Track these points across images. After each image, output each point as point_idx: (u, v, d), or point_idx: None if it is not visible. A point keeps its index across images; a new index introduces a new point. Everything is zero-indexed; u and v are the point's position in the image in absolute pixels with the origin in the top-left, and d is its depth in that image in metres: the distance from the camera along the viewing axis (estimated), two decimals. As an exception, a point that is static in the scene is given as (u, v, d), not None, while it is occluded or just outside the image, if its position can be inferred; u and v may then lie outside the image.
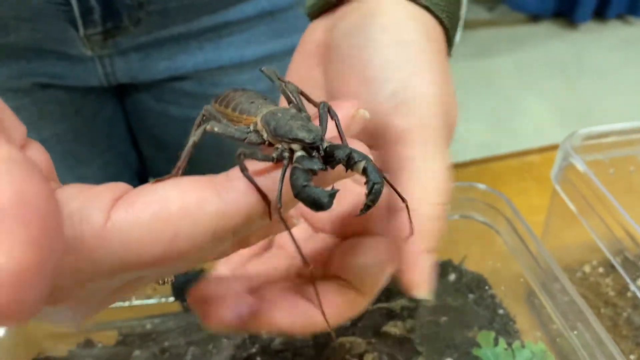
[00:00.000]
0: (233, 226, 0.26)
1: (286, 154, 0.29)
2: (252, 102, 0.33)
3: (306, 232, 0.39)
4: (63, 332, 0.52)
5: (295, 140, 0.29)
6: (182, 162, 0.30)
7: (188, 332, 0.51)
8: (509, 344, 0.47)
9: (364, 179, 0.28)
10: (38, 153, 0.29)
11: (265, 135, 0.31)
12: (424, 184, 0.32)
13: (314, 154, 0.28)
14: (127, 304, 0.52)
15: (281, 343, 0.47)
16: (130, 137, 0.75)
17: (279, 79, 0.35)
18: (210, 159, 0.63)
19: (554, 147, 0.85)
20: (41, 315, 0.28)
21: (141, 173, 0.80)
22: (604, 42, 2.58)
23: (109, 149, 0.73)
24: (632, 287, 0.57)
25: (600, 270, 0.66)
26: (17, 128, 0.27)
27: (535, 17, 2.73)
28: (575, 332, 0.48)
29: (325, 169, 0.28)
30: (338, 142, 0.30)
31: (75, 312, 0.28)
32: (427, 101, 0.35)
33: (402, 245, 0.31)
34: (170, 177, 0.28)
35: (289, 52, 0.67)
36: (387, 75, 0.35)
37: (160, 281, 0.35)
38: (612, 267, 0.62)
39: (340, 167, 0.28)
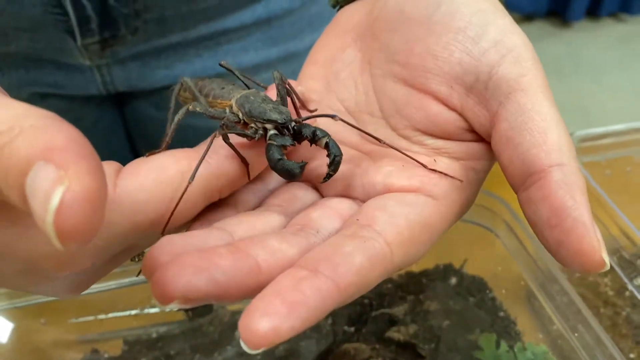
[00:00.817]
0: (220, 186, 0.32)
1: (260, 132, 0.34)
2: (222, 88, 0.38)
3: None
4: (70, 341, 0.52)
5: (269, 120, 0.34)
6: (168, 138, 0.35)
7: (193, 339, 0.52)
8: (511, 346, 0.48)
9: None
10: None
11: (240, 116, 0.35)
12: (556, 136, 0.30)
13: (284, 132, 0.33)
14: (133, 312, 0.52)
15: (285, 349, 0.48)
16: (129, 145, 0.76)
17: (282, 80, 0.38)
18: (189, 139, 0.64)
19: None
20: (38, 286, 0.31)
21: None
22: (598, 40, 2.60)
23: (109, 156, 0.72)
24: (630, 286, 0.58)
25: (599, 270, 0.67)
26: None
27: (528, 17, 2.74)
28: (575, 334, 0.48)
29: (294, 144, 0.33)
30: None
31: (73, 281, 0.31)
32: (530, 49, 0.33)
33: (563, 215, 0.28)
34: (161, 150, 0.33)
35: (284, 59, 0.67)
36: (483, 22, 0.33)
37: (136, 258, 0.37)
38: (610, 266, 0.62)
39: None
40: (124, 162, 0.79)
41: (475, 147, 0.35)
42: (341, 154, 0.33)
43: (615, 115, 2.09)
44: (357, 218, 0.31)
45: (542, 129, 0.30)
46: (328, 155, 0.33)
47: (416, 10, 0.35)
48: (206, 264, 0.26)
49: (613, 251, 0.59)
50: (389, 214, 0.31)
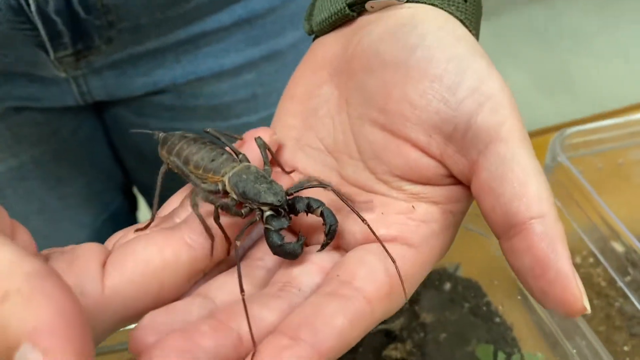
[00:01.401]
0: (203, 268, 0.33)
1: (257, 213, 0.34)
2: (212, 160, 0.37)
3: None
4: None
5: (265, 204, 0.34)
6: (155, 210, 0.36)
7: None
8: (509, 356, 0.48)
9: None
10: (24, 235, 0.31)
11: (235, 196, 0.35)
12: (536, 187, 0.30)
13: (280, 210, 0.34)
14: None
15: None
16: (111, 152, 0.74)
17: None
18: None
19: (539, 133, 0.85)
20: None
21: (124, 186, 0.79)
22: (581, 5, 2.57)
23: (91, 166, 0.71)
24: (620, 282, 0.57)
25: (591, 260, 0.67)
26: (2, 213, 0.29)
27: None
28: (570, 340, 0.48)
29: (290, 222, 0.34)
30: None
31: None
32: (508, 96, 0.33)
33: (546, 267, 0.29)
34: (148, 224, 0.35)
35: (267, 58, 0.66)
36: (459, 69, 0.33)
37: None
38: (607, 257, 0.62)
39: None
40: (107, 171, 0.77)
41: (454, 191, 0.35)
42: (337, 222, 0.33)
43: (600, 81, 2.09)
44: (338, 273, 0.31)
45: (522, 180, 0.30)
46: (324, 224, 0.33)
47: (392, 53, 0.35)
48: (189, 345, 0.27)
49: (603, 248, 0.59)
50: (369, 269, 0.31)
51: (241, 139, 0.40)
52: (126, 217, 0.81)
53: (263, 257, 0.35)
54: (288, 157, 0.39)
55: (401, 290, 0.31)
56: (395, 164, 0.35)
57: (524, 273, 0.30)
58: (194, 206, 0.33)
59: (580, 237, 0.60)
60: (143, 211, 0.86)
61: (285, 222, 0.33)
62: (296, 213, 0.34)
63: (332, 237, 0.33)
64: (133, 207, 0.83)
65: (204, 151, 0.37)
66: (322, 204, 0.34)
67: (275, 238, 0.33)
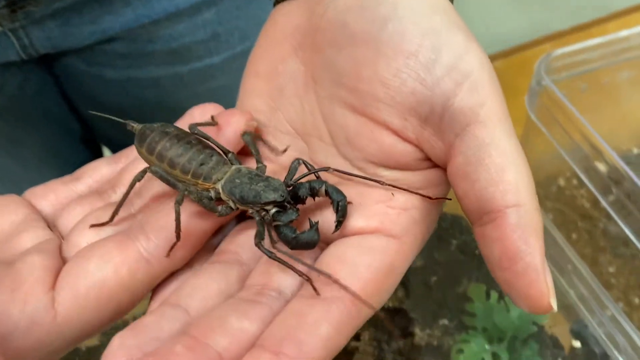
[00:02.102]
0: (160, 278, 0.32)
1: (262, 214, 0.32)
2: (202, 164, 0.34)
3: None
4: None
5: (267, 203, 0.32)
6: (118, 207, 0.34)
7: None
8: (501, 296, 0.47)
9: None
10: None
11: (232, 205, 0.33)
12: (514, 175, 0.29)
13: (285, 204, 0.32)
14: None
15: None
16: (66, 105, 0.69)
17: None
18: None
19: (516, 50, 0.82)
20: None
21: (85, 138, 0.74)
22: None
23: (45, 122, 0.67)
24: (604, 203, 0.57)
25: (575, 182, 0.66)
26: None
27: None
28: (559, 270, 0.48)
29: (298, 212, 0.32)
30: None
31: None
32: (487, 72, 0.30)
33: (515, 259, 0.28)
34: (109, 220, 0.34)
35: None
36: (436, 44, 0.30)
37: None
38: (590, 177, 0.61)
39: None
40: (63, 125, 0.72)
41: (433, 174, 0.33)
42: (344, 197, 0.31)
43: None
44: (318, 274, 0.29)
45: (499, 166, 0.29)
46: (332, 203, 0.32)
47: (361, 26, 0.32)
48: None
49: (586, 168, 0.58)
50: (351, 266, 0.29)
51: (216, 123, 0.37)
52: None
53: (237, 250, 0.33)
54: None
55: (388, 283, 0.30)
56: (369, 150, 0.33)
57: (492, 262, 0.29)
58: (177, 203, 0.31)
59: (564, 159, 0.59)
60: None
61: (293, 214, 0.32)
62: (302, 201, 0.33)
63: (344, 214, 0.31)
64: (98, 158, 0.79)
65: (191, 153, 0.34)
66: (324, 182, 0.32)
67: (288, 232, 0.31)
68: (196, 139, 0.35)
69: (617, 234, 0.60)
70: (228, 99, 0.66)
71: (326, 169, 0.33)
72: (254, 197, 0.32)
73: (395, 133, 0.32)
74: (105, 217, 0.34)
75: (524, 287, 0.28)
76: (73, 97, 0.68)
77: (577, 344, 0.46)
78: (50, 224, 0.36)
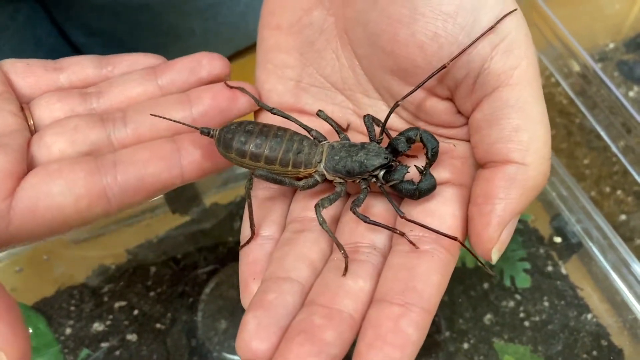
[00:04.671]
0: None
1: (370, 180, 0.33)
2: (299, 153, 0.34)
3: None
4: (75, 263, 0.54)
5: (376, 169, 0.33)
6: (251, 222, 0.35)
7: (195, 240, 0.54)
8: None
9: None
10: None
11: (340, 180, 0.34)
12: (528, 136, 0.30)
13: (392, 164, 0.33)
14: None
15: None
16: (57, 30, 0.68)
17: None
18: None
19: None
20: None
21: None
22: None
23: (37, 48, 0.67)
24: (576, 100, 0.61)
25: (553, 80, 0.69)
26: None
27: None
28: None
29: (409, 167, 0.33)
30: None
31: None
32: (524, 32, 0.31)
33: (488, 201, 0.30)
34: (249, 240, 0.35)
35: None
36: (476, 6, 0.30)
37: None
38: (566, 75, 0.65)
39: None
40: (54, 51, 0.72)
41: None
42: (438, 143, 0.32)
43: None
44: (411, 229, 0.31)
45: (515, 126, 0.30)
46: (425, 148, 0.32)
47: None
48: (318, 346, 0.27)
49: (561, 66, 0.62)
50: (439, 218, 0.31)
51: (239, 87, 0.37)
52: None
53: (311, 215, 0.34)
54: (291, 100, 0.37)
55: (465, 228, 0.32)
56: (413, 110, 0.34)
57: (472, 197, 0.31)
58: (323, 223, 0.32)
59: (541, 60, 0.62)
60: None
61: (404, 169, 0.33)
62: (401, 153, 0.33)
63: (435, 159, 0.33)
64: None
65: (284, 144, 0.34)
66: (417, 129, 0.33)
67: (408, 186, 0.32)
68: (281, 129, 0.34)
69: (591, 128, 0.64)
70: (218, 15, 0.66)
71: (396, 105, 0.33)
72: (360, 168, 0.33)
73: (435, 95, 0.33)
74: (86, 128, 0.34)
75: (479, 225, 0.30)
76: (64, 24, 0.68)
77: (556, 238, 0.52)
78: (24, 106, 0.36)
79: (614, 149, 0.55)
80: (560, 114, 0.68)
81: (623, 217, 0.58)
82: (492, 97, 0.31)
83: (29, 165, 0.33)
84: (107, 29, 0.65)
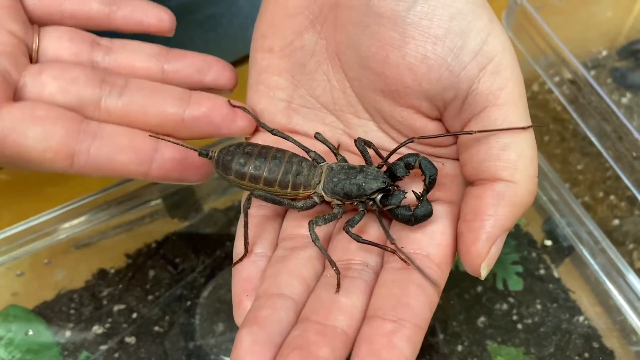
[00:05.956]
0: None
1: (364, 206, 0.33)
2: (298, 174, 0.34)
3: None
4: (73, 267, 0.54)
5: (374, 192, 0.32)
6: (246, 238, 0.35)
7: (192, 242, 0.55)
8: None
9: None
10: None
11: (338, 202, 0.34)
12: (516, 154, 0.30)
13: (388, 188, 0.33)
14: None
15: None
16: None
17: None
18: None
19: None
20: None
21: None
22: None
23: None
24: (570, 109, 0.62)
25: (547, 87, 0.70)
26: None
27: None
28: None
29: (405, 191, 0.33)
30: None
31: None
32: (509, 54, 0.31)
33: (477, 217, 0.30)
34: (242, 257, 0.35)
35: None
36: (463, 29, 0.30)
37: None
38: (558, 83, 0.66)
39: None
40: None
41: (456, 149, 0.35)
42: (437, 171, 0.32)
43: None
44: (402, 246, 0.32)
45: (503, 145, 0.30)
46: (423, 174, 0.33)
47: (386, 4, 0.32)
48: None
49: (554, 75, 0.63)
50: (429, 235, 0.32)
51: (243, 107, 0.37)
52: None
53: (304, 233, 0.35)
54: (282, 120, 0.37)
55: (455, 245, 0.33)
56: (403, 130, 0.35)
57: (462, 213, 0.32)
58: (316, 240, 0.32)
59: (534, 67, 0.63)
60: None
61: (401, 194, 0.33)
62: (400, 178, 0.33)
63: (433, 186, 0.33)
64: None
65: (283, 166, 0.34)
66: (417, 156, 0.33)
67: (404, 212, 0.32)
68: (279, 151, 0.35)
69: (584, 134, 0.65)
70: (217, 27, 0.67)
71: (411, 140, 0.33)
72: (358, 191, 0.33)
73: (425, 115, 0.34)
74: (83, 83, 0.35)
75: (469, 241, 0.30)
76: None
77: (548, 241, 0.53)
78: (34, 27, 0.36)
79: (606, 155, 0.56)
80: (554, 120, 0.69)
81: (616, 222, 0.59)
82: (480, 117, 0.31)
83: (16, 91, 0.34)
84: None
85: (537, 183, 0.32)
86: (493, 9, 0.32)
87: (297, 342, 0.28)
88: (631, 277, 0.46)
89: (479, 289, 0.51)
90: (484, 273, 0.30)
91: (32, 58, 0.36)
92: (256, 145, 0.35)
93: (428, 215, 0.32)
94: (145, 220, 0.55)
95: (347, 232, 0.32)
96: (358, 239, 0.32)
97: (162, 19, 0.38)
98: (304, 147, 0.36)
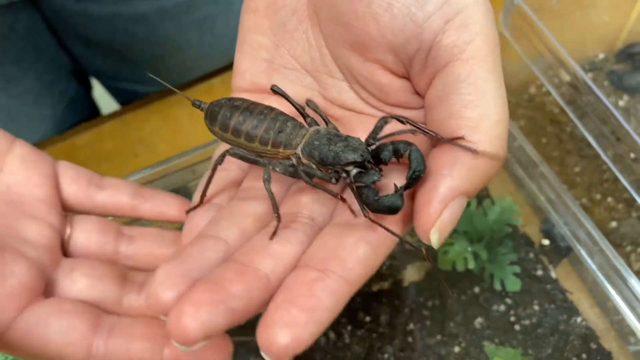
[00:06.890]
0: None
1: (342, 176, 0.31)
2: (280, 132, 0.33)
3: None
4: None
5: (347, 164, 0.31)
6: (203, 192, 0.35)
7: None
8: (480, 202, 0.53)
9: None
10: None
11: (314, 166, 0.32)
12: (478, 113, 0.28)
13: (366, 165, 0.31)
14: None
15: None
16: (56, 41, 0.70)
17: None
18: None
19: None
20: None
21: (76, 71, 0.76)
22: None
23: (37, 58, 0.68)
24: (568, 110, 0.62)
25: (544, 89, 0.70)
26: None
27: None
28: (533, 181, 0.53)
29: (381, 173, 0.31)
30: None
31: None
32: (482, 7, 0.30)
33: (431, 177, 0.28)
34: (195, 206, 0.35)
35: None
36: None
37: None
38: (556, 85, 0.66)
39: None
40: (54, 60, 0.73)
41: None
42: (424, 169, 0.29)
43: None
44: (350, 203, 0.30)
45: (465, 102, 0.29)
46: (409, 167, 0.30)
47: None
48: (220, 296, 0.25)
49: (552, 77, 0.63)
50: None
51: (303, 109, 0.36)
52: (83, 101, 0.79)
53: (260, 185, 0.33)
54: (263, 80, 0.37)
55: None
56: (372, 89, 0.34)
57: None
58: (266, 180, 0.31)
59: (532, 69, 0.63)
60: (98, 89, 0.84)
61: (375, 175, 0.30)
62: (385, 162, 0.31)
63: (414, 183, 0.29)
64: (88, 90, 0.81)
65: (267, 122, 0.33)
66: (410, 146, 0.30)
67: (370, 194, 0.29)
68: (268, 108, 0.34)
69: (582, 137, 0.65)
70: (214, 28, 0.67)
71: (414, 131, 0.31)
72: (333, 159, 0.31)
73: (391, 71, 0.33)
74: (109, 281, 0.35)
75: (421, 203, 0.28)
76: (63, 34, 0.69)
77: (545, 241, 0.52)
78: (66, 215, 0.37)
79: (604, 157, 0.56)
80: (551, 122, 0.69)
81: (614, 224, 0.59)
82: (444, 72, 0.30)
83: (47, 283, 0.33)
84: (104, 40, 0.67)
85: (506, 148, 0.29)
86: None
87: (212, 277, 0.27)
88: (629, 277, 0.45)
89: (476, 289, 0.51)
90: (434, 239, 0.28)
91: (64, 247, 0.37)
92: (246, 100, 0.35)
93: (393, 209, 0.29)
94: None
95: (303, 179, 0.31)
96: (309, 181, 0.31)
97: (181, 209, 0.39)
98: (302, 109, 0.35)
